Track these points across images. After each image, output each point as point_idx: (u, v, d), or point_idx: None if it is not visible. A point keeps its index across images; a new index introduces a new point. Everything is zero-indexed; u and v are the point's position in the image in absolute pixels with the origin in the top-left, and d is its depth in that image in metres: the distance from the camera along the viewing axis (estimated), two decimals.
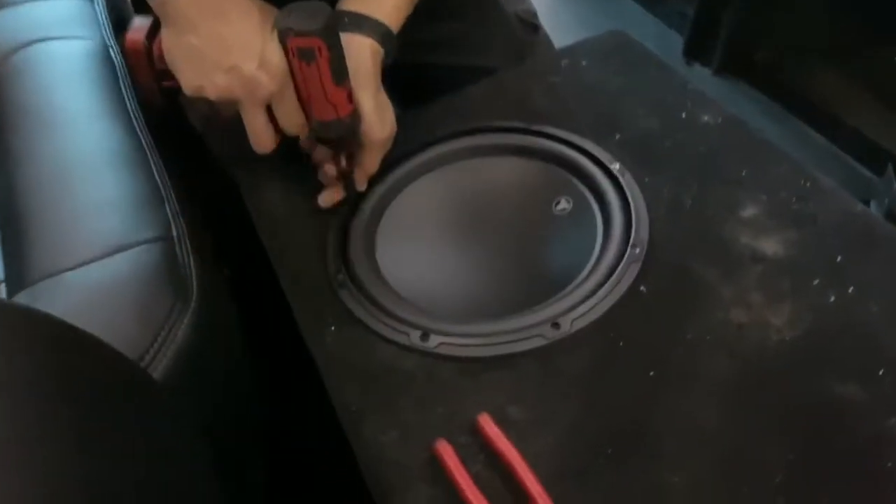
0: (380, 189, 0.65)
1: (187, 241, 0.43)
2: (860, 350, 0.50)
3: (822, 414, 0.47)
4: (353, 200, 0.65)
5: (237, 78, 0.56)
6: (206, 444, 0.39)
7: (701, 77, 1.04)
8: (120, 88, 0.57)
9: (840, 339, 0.51)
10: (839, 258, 0.55)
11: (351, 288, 0.58)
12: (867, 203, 0.86)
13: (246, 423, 0.51)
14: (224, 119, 0.61)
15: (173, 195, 0.47)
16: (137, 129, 0.52)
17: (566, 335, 0.53)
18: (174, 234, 0.43)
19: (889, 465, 0.45)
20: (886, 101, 0.93)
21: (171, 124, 0.69)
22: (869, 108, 0.92)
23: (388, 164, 0.67)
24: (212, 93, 0.57)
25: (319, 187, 0.66)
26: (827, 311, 0.52)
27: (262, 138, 0.60)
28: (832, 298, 0.53)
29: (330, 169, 0.63)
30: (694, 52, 1.02)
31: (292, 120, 0.60)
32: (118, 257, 0.40)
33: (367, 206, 0.64)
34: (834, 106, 0.94)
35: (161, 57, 0.59)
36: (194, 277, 0.41)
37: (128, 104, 0.55)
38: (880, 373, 0.48)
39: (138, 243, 0.41)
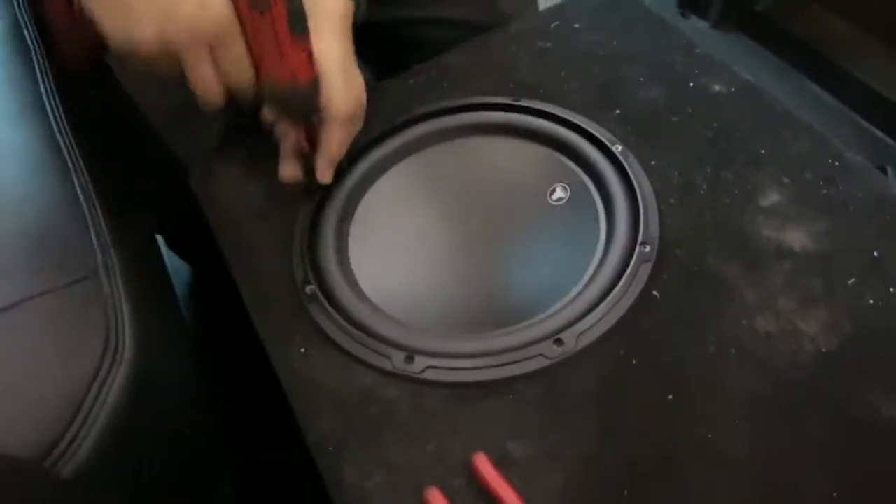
0: (350, 180, 0.57)
1: (118, 277, 0.35)
2: None
3: (868, 438, 0.42)
4: (321, 194, 0.56)
5: (172, 24, 0.47)
6: None
7: (697, 31, 0.96)
8: (36, 80, 0.47)
9: (883, 348, 0.45)
10: (876, 252, 0.48)
11: (322, 302, 0.50)
12: (883, 170, 0.79)
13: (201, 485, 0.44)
14: (161, 80, 0.51)
15: (100, 213, 0.38)
16: (56, 132, 0.42)
17: (571, 353, 0.46)
18: (100, 268, 0.35)
19: None
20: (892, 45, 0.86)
21: (106, 103, 0.60)
22: (882, 62, 0.85)
23: (360, 148, 0.58)
24: (144, 45, 0.47)
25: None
26: (866, 316, 0.46)
27: (208, 90, 0.50)
28: (871, 301, 0.46)
29: (291, 139, 0.54)
30: (690, 2, 0.94)
31: (240, 69, 0.50)
32: (22, 308, 0.31)
33: (338, 201, 0.56)
34: (843, 60, 0.86)
35: (83, 11, 0.49)
36: (127, 324, 0.33)
37: (46, 100, 0.45)
38: None
39: (51, 289, 0.33)
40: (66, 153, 0.40)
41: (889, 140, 0.81)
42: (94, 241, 0.35)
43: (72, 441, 0.28)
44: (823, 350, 0.45)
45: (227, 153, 0.63)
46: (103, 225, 0.38)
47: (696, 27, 0.93)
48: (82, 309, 0.32)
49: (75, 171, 0.39)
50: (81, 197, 0.37)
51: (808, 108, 0.85)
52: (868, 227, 0.50)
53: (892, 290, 0.46)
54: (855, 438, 0.42)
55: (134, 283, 0.35)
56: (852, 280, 0.47)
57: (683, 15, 0.92)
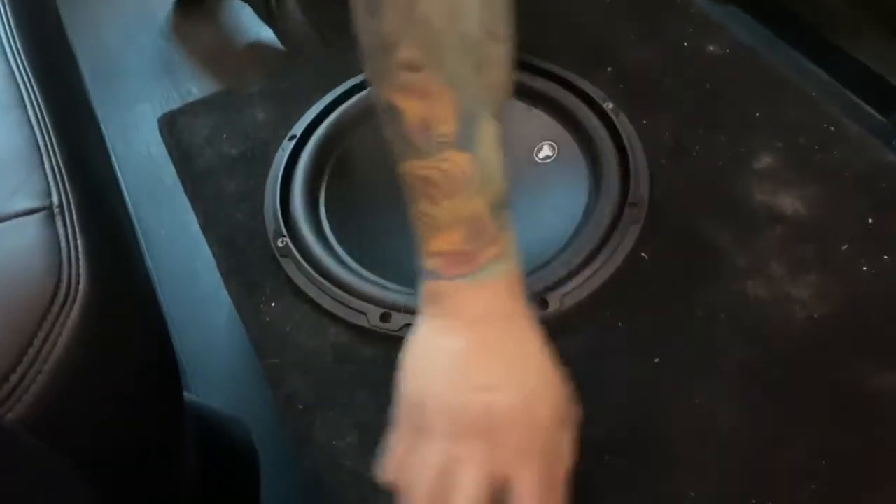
0: (324, 131, 0.54)
1: (73, 212, 0.32)
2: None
3: (859, 406, 0.40)
4: (296, 143, 0.53)
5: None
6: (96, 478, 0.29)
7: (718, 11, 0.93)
8: None
9: (875, 316, 0.43)
10: (870, 219, 0.47)
11: (295, 255, 0.48)
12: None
13: (161, 438, 0.41)
14: None
15: (57, 148, 0.35)
16: (10, 58, 0.39)
17: (555, 314, 0.45)
18: (55, 202, 0.32)
19: None
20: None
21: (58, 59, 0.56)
22: (875, 39, 0.83)
23: (336, 98, 0.55)
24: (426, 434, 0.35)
25: (255, 123, 0.55)
26: (859, 283, 0.45)
27: None
28: (864, 268, 0.45)
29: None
30: None
31: None
32: None
33: (312, 153, 0.53)
34: (836, 35, 0.85)
35: None
36: (82, 264, 0.30)
37: (5, 39, 0.42)
38: None
39: (3, 217, 0.30)
40: (22, 89, 0.37)
41: (879, 116, 0.80)
42: (49, 176, 0.33)
43: (21, 380, 0.26)
44: (815, 317, 0.44)
45: (199, 102, 0.60)
46: (59, 161, 0.35)
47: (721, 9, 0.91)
48: (34, 242, 0.29)
49: (32, 106, 0.36)
50: (36, 131, 0.34)
51: (798, 81, 0.83)
52: (863, 194, 0.48)
53: (885, 257, 0.45)
54: (844, 408, 0.41)
55: (90, 220, 0.32)
56: (846, 246, 0.46)
57: None
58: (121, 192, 0.50)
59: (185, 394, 0.57)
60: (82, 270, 0.30)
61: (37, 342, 0.27)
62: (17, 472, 0.25)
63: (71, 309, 0.29)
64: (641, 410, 0.41)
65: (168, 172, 0.60)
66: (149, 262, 0.58)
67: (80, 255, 0.31)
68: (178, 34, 1.09)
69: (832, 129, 0.52)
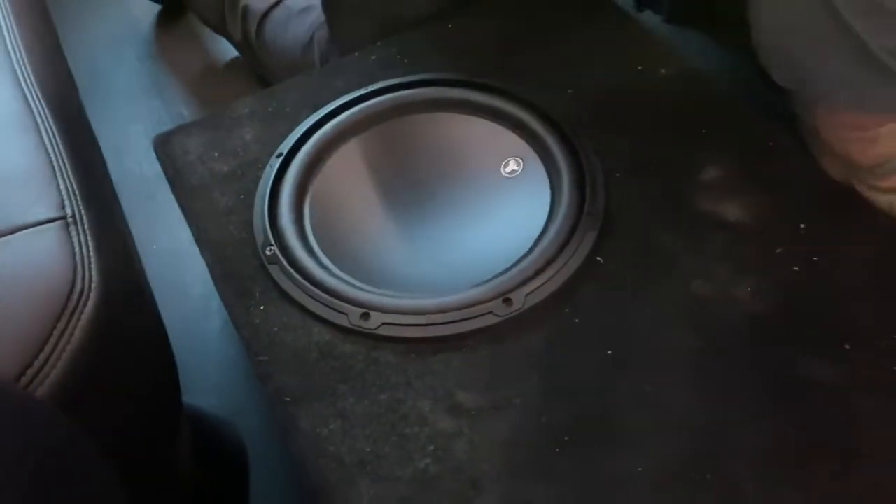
0: (309, 148, 0.59)
1: (85, 223, 0.36)
2: (826, 323, 0.47)
3: (791, 391, 0.45)
4: (282, 160, 0.58)
5: None
6: (109, 465, 0.33)
7: (652, 26, 0.99)
8: (3, 34, 0.48)
9: (805, 312, 0.48)
10: (803, 224, 0.52)
11: (282, 262, 0.52)
12: None
13: (161, 433, 0.45)
14: None
15: (68, 167, 0.39)
16: (24, 87, 0.43)
17: (519, 312, 0.49)
18: (68, 213, 0.36)
19: (854, 445, 0.43)
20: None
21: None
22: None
23: (320, 119, 0.60)
24: None
25: (244, 142, 0.59)
26: (791, 283, 0.49)
27: None
28: (796, 268, 0.50)
29: None
30: None
31: None
32: None
33: (298, 169, 0.57)
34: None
35: None
36: (94, 267, 0.34)
37: (12, 55, 0.46)
38: (846, 347, 0.46)
39: (19, 227, 0.34)
40: (32, 107, 0.41)
41: None
42: (63, 190, 0.37)
43: (43, 365, 0.30)
44: (752, 313, 0.48)
45: (192, 124, 0.64)
46: (71, 178, 0.39)
47: (651, 21, 0.97)
48: (52, 247, 0.33)
49: (42, 124, 0.40)
50: (48, 147, 0.38)
51: (743, 100, 0.89)
52: (797, 201, 0.53)
53: (815, 258, 0.50)
54: (778, 393, 0.45)
55: (99, 229, 0.37)
56: (780, 249, 0.51)
57: (639, 9, 0.96)
58: (120, 206, 0.54)
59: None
60: (94, 272, 0.34)
61: (55, 333, 0.31)
62: (51, 442, 0.28)
63: (85, 305, 0.33)
64: (598, 396, 0.46)
65: (159, 190, 0.64)
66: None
67: (92, 259, 0.35)
68: (165, 55, 1.14)
69: (771, 143, 0.57)
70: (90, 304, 0.33)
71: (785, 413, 0.44)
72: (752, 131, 0.58)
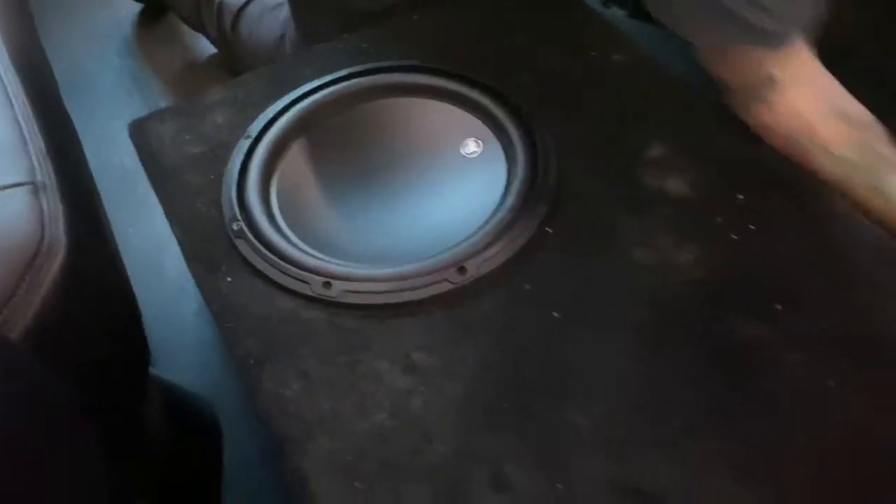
0: (277, 131, 0.61)
1: (54, 187, 0.39)
2: (760, 286, 0.50)
3: (725, 353, 0.48)
4: (251, 142, 0.61)
5: None
6: (76, 402, 0.35)
7: (616, 19, 1.02)
8: None
9: (741, 277, 0.51)
10: (741, 196, 0.55)
11: (249, 237, 0.55)
12: None
13: (129, 389, 0.48)
14: None
15: (40, 137, 0.42)
16: (2, 72, 0.46)
17: (472, 279, 0.52)
18: (38, 178, 0.38)
19: (782, 399, 0.46)
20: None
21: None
22: None
23: (288, 103, 0.63)
24: None
25: (215, 126, 0.62)
26: (729, 251, 0.53)
27: None
28: (734, 237, 0.53)
29: None
30: None
31: None
32: None
33: (266, 150, 0.60)
34: None
35: None
36: (63, 228, 0.37)
37: None
38: (777, 308, 0.49)
39: None
40: (3, 78, 0.44)
41: None
42: (33, 158, 0.39)
43: (14, 313, 0.32)
44: (692, 279, 0.51)
45: (165, 110, 0.67)
46: (42, 148, 0.42)
47: (616, 16, 1.00)
48: (22, 208, 0.36)
49: (13, 95, 0.43)
50: (19, 117, 0.41)
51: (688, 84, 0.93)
52: (736, 175, 0.56)
53: (751, 227, 0.53)
54: (715, 354, 0.48)
55: (68, 194, 0.39)
56: (720, 219, 0.54)
57: (605, 5, 0.99)
58: (90, 174, 0.57)
59: (154, 370, 0.63)
60: (62, 230, 0.36)
61: (25, 284, 0.33)
62: (26, 381, 0.31)
63: (52, 262, 0.35)
64: (546, 356, 0.49)
65: (141, 182, 0.67)
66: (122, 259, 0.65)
67: (60, 220, 0.37)
68: (146, 53, 1.17)
69: (714, 122, 0.60)
70: (59, 258, 0.35)
71: (719, 370, 0.47)
72: (697, 112, 0.61)
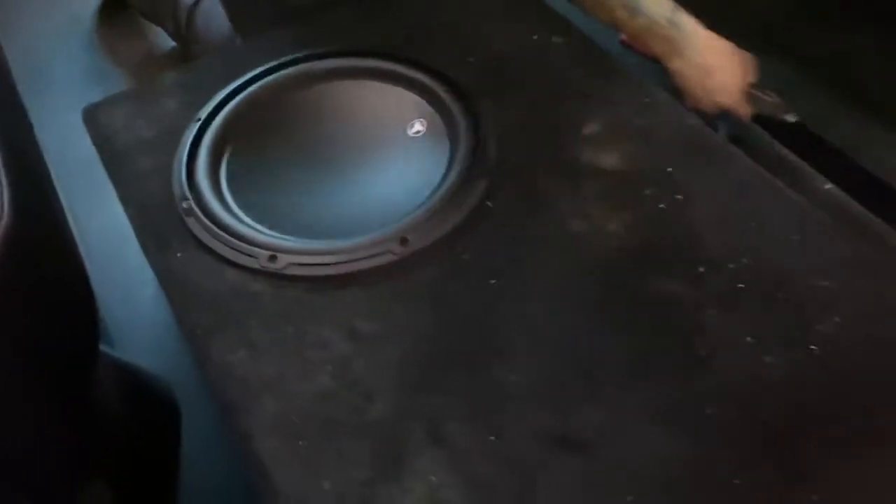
0: (227, 112, 0.63)
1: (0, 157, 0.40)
2: (686, 251, 0.53)
3: (651, 311, 0.51)
4: (200, 124, 0.62)
5: None
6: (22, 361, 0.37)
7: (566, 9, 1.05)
8: None
9: (669, 242, 0.54)
10: (670, 168, 0.58)
11: (198, 214, 0.56)
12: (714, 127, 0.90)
13: (78, 353, 0.49)
14: None
15: None
16: None
17: (414, 251, 0.54)
18: None
19: (703, 353, 0.48)
20: (725, 25, 0.98)
21: None
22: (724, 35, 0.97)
23: (240, 84, 0.65)
24: None
25: (167, 110, 0.64)
26: (658, 218, 0.55)
27: None
28: (662, 205, 0.56)
29: None
30: None
31: None
32: None
33: (215, 130, 0.62)
34: None
35: None
36: (6, 195, 0.39)
37: None
38: (701, 270, 0.52)
39: None
40: None
41: None
42: None
43: None
44: (622, 245, 0.54)
45: (119, 95, 0.69)
46: None
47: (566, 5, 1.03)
48: None
49: None
50: None
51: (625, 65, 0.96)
52: (666, 149, 0.59)
53: (678, 196, 0.56)
54: (642, 312, 0.51)
55: (14, 164, 0.41)
56: (649, 190, 0.57)
57: None
58: (40, 153, 0.58)
59: (111, 351, 0.65)
60: (7, 200, 0.38)
61: None
62: None
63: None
64: (480, 320, 0.51)
65: (101, 173, 0.68)
66: (82, 248, 0.66)
67: (5, 188, 0.39)
68: (106, 46, 1.18)
69: (647, 100, 0.63)
70: (3, 222, 0.37)
71: (646, 326, 0.50)
72: (631, 90, 0.64)
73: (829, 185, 0.83)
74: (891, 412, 0.45)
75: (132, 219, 0.58)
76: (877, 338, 0.48)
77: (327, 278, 0.53)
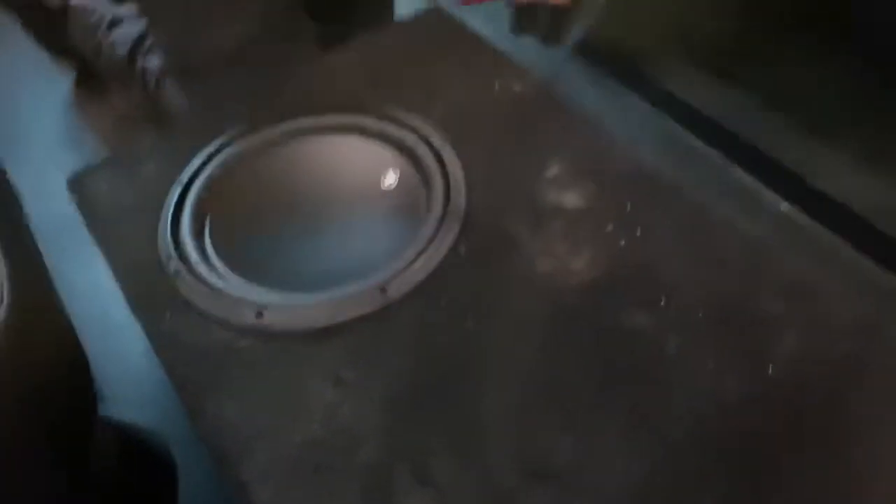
0: (207, 174, 0.66)
1: None
2: (646, 283, 0.57)
3: (616, 342, 0.54)
4: (182, 188, 0.65)
5: None
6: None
7: (527, 47, 1.10)
8: None
9: (630, 276, 0.58)
10: (629, 206, 0.62)
11: (185, 275, 0.59)
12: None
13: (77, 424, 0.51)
14: None
15: None
16: None
17: (393, 299, 0.57)
18: None
19: (667, 380, 0.52)
20: (696, 57, 1.04)
21: None
22: (682, 70, 1.02)
23: (222, 143, 0.68)
24: None
25: (148, 175, 0.67)
26: (619, 253, 0.59)
27: None
28: (623, 242, 0.60)
29: None
30: (520, 23, 1.08)
31: None
32: None
33: (196, 191, 0.65)
34: (650, 67, 1.03)
35: None
36: (5, 279, 0.41)
37: None
38: (661, 301, 0.55)
39: None
40: None
41: (696, 142, 0.97)
42: None
43: None
44: (586, 280, 0.58)
45: (101, 163, 0.71)
46: None
47: (527, 44, 1.08)
48: None
49: None
50: None
51: (619, 112, 1.01)
52: (624, 187, 0.63)
53: (638, 232, 0.60)
54: (608, 344, 0.54)
55: (11, 252, 0.43)
56: (610, 227, 0.61)
57: (516, 32, 1.07)
58: (31, 232, 0.60)
59: (106, 410, 0.67)
60: (6, 290, 0.40)
61: None
62: None
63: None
64: (458, 359, 0.54)
65: (83, 231, 0.71)
66: (69, 306, 0.68)
67: (3, 276, 0.41)
68: (80, 108, 1.21)
69: (603, 142, 0.67)
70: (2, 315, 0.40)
71: (612, 357, 0.53)
72: (589, 133, 0.68)
73: (785, 206, 0.88)
74: (843, 431, 0.48)
75: (121, 283, 0.61)
76: (827, 357, 0.52)
77: (312, 331, 0.56)
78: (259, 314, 0.57)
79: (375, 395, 0.53)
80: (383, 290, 0.57)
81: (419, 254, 0.60)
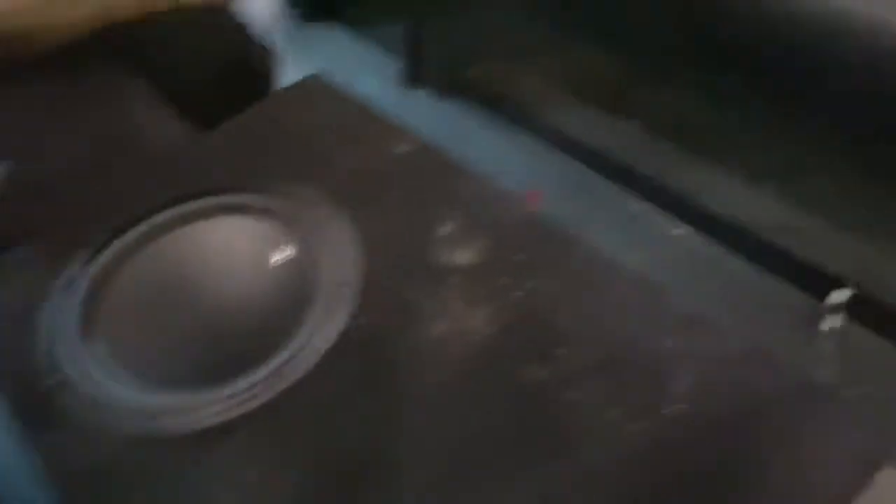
0: (91, 274, 0.63)
1: None
2: (543, 335, 0.57)
3: (519, 399, 0.54)
4: (64, 293, 0.62)
5: None
6: None
7: (418, 100, 1.11)
8: None
9: (525, 328, 0.58)
10: (522, 257, 0.62)
11: (65, 388, 0.56)
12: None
13: None
14: None
15: None
16: None
17: (290, 385, 0.55)
18: None
19: (573, 432, 0.51)
20: (576, 93, 1.07)
21: None
22: (571, 111, 1.05)
23: (99, 245, 0.65)
24: None
25: (23, 285, 0.63)
26: (514, 307, 0.59)
27: None
28: (518, 293, 0.60)
29: None
30: (410, 77, 1.10)
31: None
32: None
33: (78, 296, 0.62)
34: (536, 105, 1.05)
35: None
36: None
37: None
38: (558, 352, 0.55)
39: None
40: None
41: (595, 175, 0.99)
42: None
43: None
44: (484, 337, 0.57)
45: None
46: None
47: (418, 97, 1.09)
48: None
49: None
50: None
51: (516, 155, 1.02)
52: (514, 239, 0.64)
53: (531, 284, 0.60)
54: (510, 398, 0.54)
55: None
56: (503, 281, 0.61)
57: (408, 86, 1.08)
58: None
59: None
60: None
61: None
62: None
63: None
64: (365, 438, 0.53)
65: None
66: None
67: None
68: None
69: (492, 194, 0.68)
70: None
71: (517, 415, 0.53)
72: (476, 188, 0.68)
73: (680, 230, 0.91)
74: (746, 461, 0.49)
75: (5, 403, 0.57)
76: (723, 390, 0.53)
77: (207, 431, 0.54)
78: (151, 419, 0.54)
79: (280, 491, 0.51)
80: (277, 377, 0.56)
81: (313, 333, 0.58)
